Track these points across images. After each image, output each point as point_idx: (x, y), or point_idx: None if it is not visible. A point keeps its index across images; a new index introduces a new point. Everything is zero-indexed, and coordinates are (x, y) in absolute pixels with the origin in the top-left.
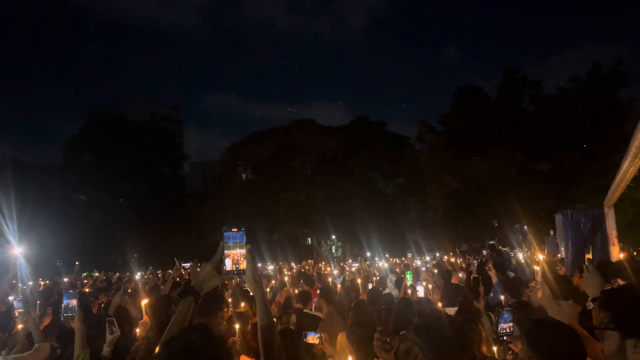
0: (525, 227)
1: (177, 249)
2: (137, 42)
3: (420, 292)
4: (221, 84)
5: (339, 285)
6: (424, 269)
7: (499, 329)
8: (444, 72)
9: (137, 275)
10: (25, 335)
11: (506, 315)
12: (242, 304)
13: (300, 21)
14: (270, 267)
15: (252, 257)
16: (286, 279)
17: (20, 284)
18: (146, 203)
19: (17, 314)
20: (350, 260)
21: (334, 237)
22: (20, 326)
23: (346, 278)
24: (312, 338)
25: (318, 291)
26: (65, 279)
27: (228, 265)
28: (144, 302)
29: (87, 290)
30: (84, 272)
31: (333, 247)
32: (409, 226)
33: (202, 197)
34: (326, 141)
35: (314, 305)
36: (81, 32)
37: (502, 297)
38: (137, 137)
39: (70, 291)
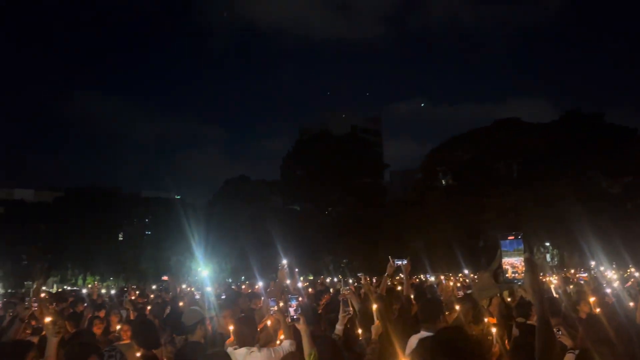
0: None
1: (384, 255)
2: (329, 58)
3: None
4: (412, 89)
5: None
6: None
7: None
8: None
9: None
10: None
11: None
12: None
13: (487, 12)
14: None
15: (531, 266)
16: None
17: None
18: (351, 212)
19: (271, 312)
20: (573, 271)
21: (547, 244)
22: (269, 322)
23: (568, 290)
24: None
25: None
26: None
27: (505, 273)
28: (374, 306)
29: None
30: (300, 276)
31: (547, 255)
32: None
33: (404, 204)
34: (534, 140)
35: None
36: (277, 57)
37: None
38: (341, 150)
39: (293, 295)
